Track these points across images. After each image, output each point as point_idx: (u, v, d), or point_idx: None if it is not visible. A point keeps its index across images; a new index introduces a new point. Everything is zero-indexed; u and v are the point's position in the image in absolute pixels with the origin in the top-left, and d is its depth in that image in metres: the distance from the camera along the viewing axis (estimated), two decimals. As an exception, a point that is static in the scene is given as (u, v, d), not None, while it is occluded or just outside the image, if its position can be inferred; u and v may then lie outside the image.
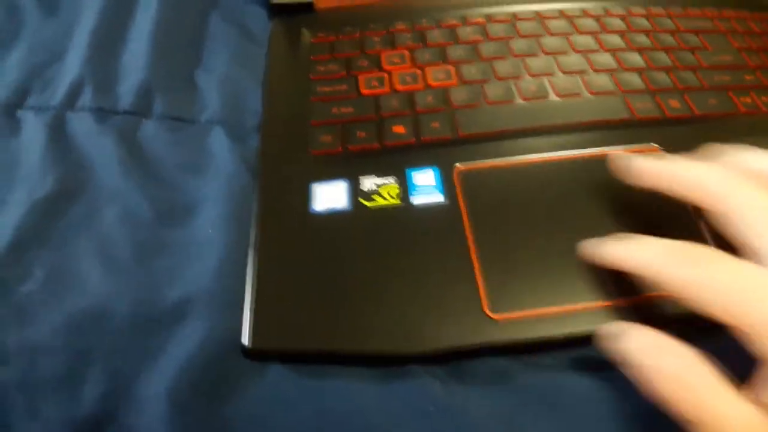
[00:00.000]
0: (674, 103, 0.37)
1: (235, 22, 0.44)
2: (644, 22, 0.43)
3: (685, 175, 0.27)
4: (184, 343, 0.29)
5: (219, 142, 0.37)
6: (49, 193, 0.35)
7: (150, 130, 0.38)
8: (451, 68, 0.38)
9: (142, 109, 0.39)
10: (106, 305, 0.30)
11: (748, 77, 0.40)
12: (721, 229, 0.26)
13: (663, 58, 0.40)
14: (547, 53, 0.39)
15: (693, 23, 0.44)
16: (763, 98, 0.39)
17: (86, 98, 0.40)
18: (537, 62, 0.39)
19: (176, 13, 0.44)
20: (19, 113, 0.40)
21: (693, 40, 0.42)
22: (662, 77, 0.38)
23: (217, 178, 0.35)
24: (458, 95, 0.36)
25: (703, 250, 0.24)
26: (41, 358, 0.29)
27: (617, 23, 0.42)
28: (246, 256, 0.30)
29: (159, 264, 0.32)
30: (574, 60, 0.39)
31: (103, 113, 0.39)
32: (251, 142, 0.36)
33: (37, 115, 0.40)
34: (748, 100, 0.38)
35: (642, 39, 0.41)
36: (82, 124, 0.39)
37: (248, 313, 0.28)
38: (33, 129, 0.39)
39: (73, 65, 0.42)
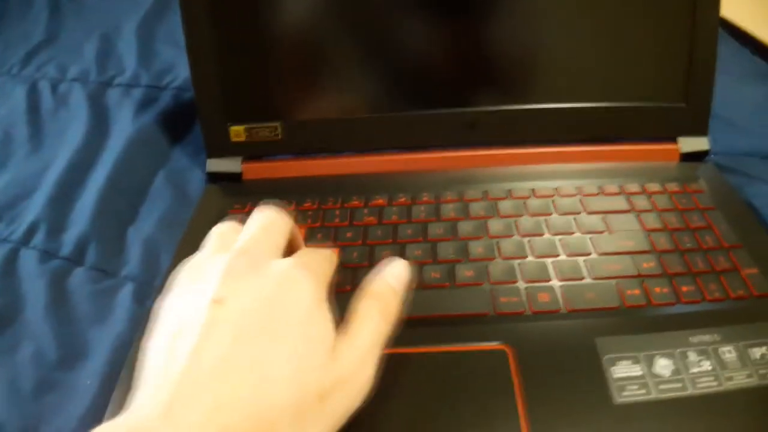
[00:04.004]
0: (543, 296, 0.38)
1: (177, 184, 0.51)
2: (547, 204, 0.44)
3: None
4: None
5: (124, 299, 0.42)
6: None
7: (78, 278, 0.44)
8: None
9: (77, 257, 0.46)
10: None
11: (646, 264, 0.39)
12: None
13: (550, 244, 0.41)
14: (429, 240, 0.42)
15: (604, 203, 0.44)
16: (657, 289, 0.38)
17: (39, 239, 0.47)
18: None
19: (128, 167, 0.51)
20: None
21: (595, 222, 0.42)
22: (539, 268, 0.39)
23: (110, 333, 0.40)
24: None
25: None
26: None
27: (509, 206, 0.44)
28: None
29: (46, 402, 0.37)
30: (450, 248, 0.41)
31: (47, 255, 0.46)
32: (151, 303, 0.41)
33: None
34: (637, 291, 0.38)
35: (534, 223, 0.43)
36: (28, 262, 0.46)
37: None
38: None
39: (37, 205, 0.50)
